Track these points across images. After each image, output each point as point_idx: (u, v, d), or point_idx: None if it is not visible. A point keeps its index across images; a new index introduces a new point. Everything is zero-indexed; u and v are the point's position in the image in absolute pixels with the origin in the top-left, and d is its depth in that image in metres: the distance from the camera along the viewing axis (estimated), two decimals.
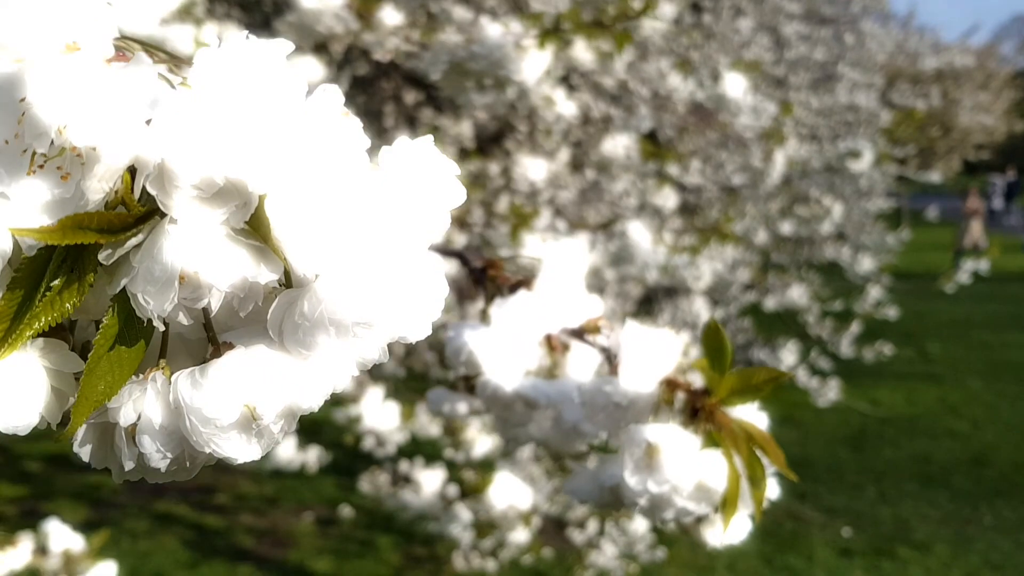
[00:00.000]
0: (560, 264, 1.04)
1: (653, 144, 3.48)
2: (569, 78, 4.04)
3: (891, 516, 5.00)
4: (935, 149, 17.27)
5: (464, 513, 2.05)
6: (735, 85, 3.00)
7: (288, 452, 2.54)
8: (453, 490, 2.49)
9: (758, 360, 4.72)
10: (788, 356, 3.60)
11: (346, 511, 4.39)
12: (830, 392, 3.33)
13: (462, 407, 1.06)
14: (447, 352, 0.98)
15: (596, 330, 1.01)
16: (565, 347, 1.02)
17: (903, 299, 8.81)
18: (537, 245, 2.45)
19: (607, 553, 3.38)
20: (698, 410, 0.88)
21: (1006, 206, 21.35)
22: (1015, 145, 25.12)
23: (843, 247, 6.17)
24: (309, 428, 3.86)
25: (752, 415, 0.89)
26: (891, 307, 8.06)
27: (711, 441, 0.88)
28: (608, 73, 3.64)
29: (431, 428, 2.43)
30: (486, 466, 4.09)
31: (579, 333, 1.00)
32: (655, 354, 0.92)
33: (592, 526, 3.41)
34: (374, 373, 3.86)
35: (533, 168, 2.84)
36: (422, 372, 3.69)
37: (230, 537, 4.28)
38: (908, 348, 9.26)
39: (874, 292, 5.76)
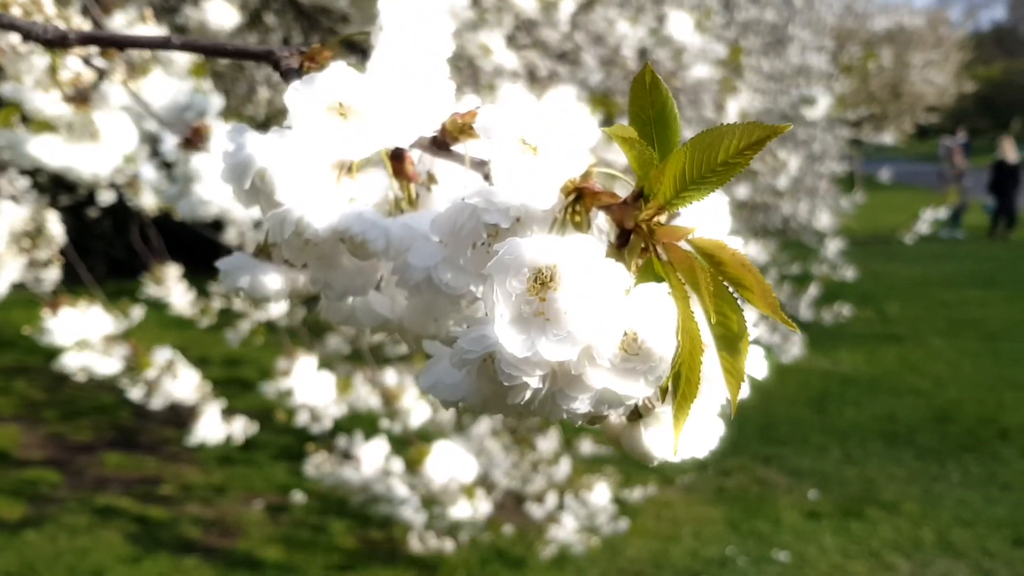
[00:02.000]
0: (409, 27, 0.62)
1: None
2: (515, 39, 3.86)
3: (858, 476, 4.90)
4: (886, 113, 17.28)
5: (400, 488, 1.87)
6: (681, 25, 2.83)
7: (213, 428, 2.34)
8: (399, 465, 2.31)
9: None
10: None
11: (298, 497, 4.20)
12: (793, 348, 3.18)
13: (272, 281, 0.67)
14: (224, 175, 0.61)
15: (467, 132, 0.63)
16: (431, 179, 0.66)
17: (860, 261, 8.75)
18: None
19: (568, 527, 3.22)
20: (629, 232, 0.53)
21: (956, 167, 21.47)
22: (964, 108, 25.30)
23: (799, 203, 6.04)
24: (260, 412, 3.66)
25: (719, 232, 0.53)
26: (848, 269, 8.01)
27: (651, 275, 0.53)
28: (552, 25, 3.45)
29: (372, 400, 2.26)
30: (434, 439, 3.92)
31: (441, 142, 0.63)
32: (556, 142, 0.58)
33: (551, 499, 3.25)
34: (321, 352, 3.67)
35: None
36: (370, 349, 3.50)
37: (175, 529, 4.07)
38: (867, 309, 9.21)
39: (832, 246, 5.63)
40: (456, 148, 0.64)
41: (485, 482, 3.69)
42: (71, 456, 4.97)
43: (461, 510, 1.85)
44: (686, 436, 0.58)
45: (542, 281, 0.49)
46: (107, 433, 5.29)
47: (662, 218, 0.53)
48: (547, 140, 0.58)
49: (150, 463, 4.80)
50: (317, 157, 0.60)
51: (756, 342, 0.56)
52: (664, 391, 0.58)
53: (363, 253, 0.61)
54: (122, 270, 7.68)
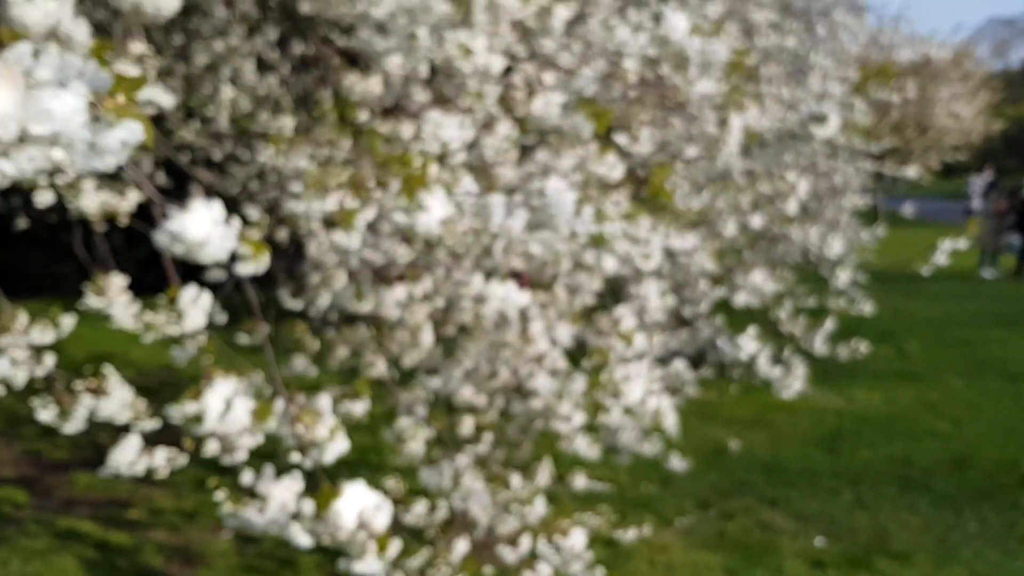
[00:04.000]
0: None
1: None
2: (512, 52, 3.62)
3: (868, 523, 4.57)
4: (911, 148, 16.94)
5: (301, 537, 1.61)
6: (677, 26, 2.57)
7: (130, 457, 2.10)
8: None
9: (720, 351, 4.32)
10: (749, 343, 3.18)
11: None
12: (795, 383, 2.91)
13: None
14: None
15: None
16: None
17: (880, 296, 8.42)
18: (439, 203, 2.01)
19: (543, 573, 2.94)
20: None
21: (985, 206, 21.05)
22: (991, 147, 24.88)
23: (811, 228, 5.75)
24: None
25: None
26: (867, 303, 7.69)
27: None
28: (547, 33, 3.21)
29: (283, 429, 1.98)
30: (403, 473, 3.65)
31: None
32: None
33: (526, 543, 2.97)
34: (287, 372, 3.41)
35: (445, 126, 2.41)
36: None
37: (136, 556, 3.81)
38: (886, 346, 8.88)
39: (843, 276, 5.33)
40: None
41: (464, 520, 3.42)
42: (42, 474, 4.73)
43: (368, 564, 1.58)
44: None
45: None
46: (84, 452, 5.05)
47: None
48: None
49: (122, 485, 4.54)
50: None
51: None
52: None
53: None
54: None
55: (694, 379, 5.61)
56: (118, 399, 2.11)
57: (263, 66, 3.64)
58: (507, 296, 2.45)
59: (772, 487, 5.05)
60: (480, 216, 2.18)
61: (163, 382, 7.23)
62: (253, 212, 2.33)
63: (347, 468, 2.78)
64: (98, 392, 2.11)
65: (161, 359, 6.85)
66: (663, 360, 5.67)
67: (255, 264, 1.63)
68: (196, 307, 1.80)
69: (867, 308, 6.96)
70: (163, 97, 2.52)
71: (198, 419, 1.73)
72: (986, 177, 19.99)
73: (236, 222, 1.66)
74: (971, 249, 12.48)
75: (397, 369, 3.18)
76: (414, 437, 2.82)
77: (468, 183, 2.23)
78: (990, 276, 13.96)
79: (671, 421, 2.55)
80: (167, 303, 1.76)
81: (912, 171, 11.66)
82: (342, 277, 3.05)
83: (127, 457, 2.11)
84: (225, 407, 1.75)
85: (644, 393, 2.53)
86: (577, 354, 4.00)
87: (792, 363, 2.98)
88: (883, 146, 11.88)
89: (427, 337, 2.89)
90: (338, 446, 1.69)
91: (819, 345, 6.73)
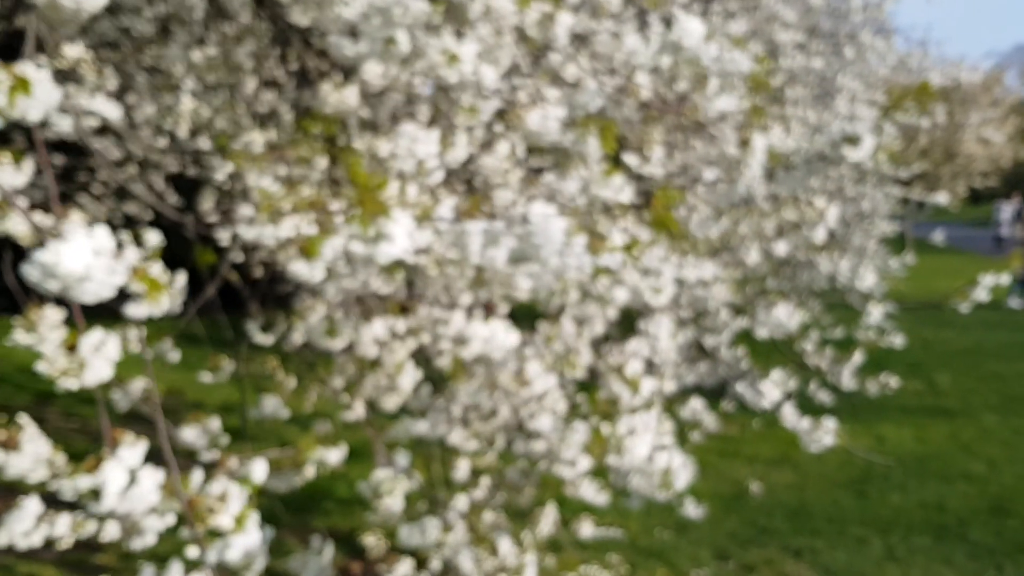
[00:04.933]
0: None
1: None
2: (518, 68, 3.33)
3: None
4: (939, 174, 16.51)
5: None
6: (691, 30, 2.24)
7: (25, 523, 1.77)
8: None
9: (737, 395, 3.98)
10: (772, 390, 2.83)
11: None
12: (825, 437, 2.57)
13: None
14: None
15: None
16: None
17: (909, 327, 8.02)
18: (403, 227, 1.69)
19: None
20: None
21: (1012, 233, 20.53)
22: (1020, 172, 24.36)
23: (841, 259, 5.39)
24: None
25: None
26: (896, 335, 7.29)
27: None
28: (551, 43, 2.89)
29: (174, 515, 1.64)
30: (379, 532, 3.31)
31: None
32: None
33: None
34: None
35: (421, 141, 2.09)
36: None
37: None
38: (915, 379, 8.48)
39: (875, 312, 4.96)
40: None
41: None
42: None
43: None
44: None
45: None
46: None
47: None
48: None
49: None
50: None
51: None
52: None
53: None
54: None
55: (714, 417, 5.26)
56: (30, 455, 1.79)
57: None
58: (492, 337, 2.12)
59: (796, 535, 4.67)
60: (458, 245, 1.85)
61: (162, 407, 6.95)
62: (152, 236, 2.01)
63: (335, 512, 2.44)
64: (7, 446, 1.79)
65: (165, 381, 6.58)
66: (681, 394, 5.31)
67: (150, 305, 1.31)
68: (100, 355, 1.48)
69: (897, 340, 6.56)
70: (108, 108, 2.22)
71: (95, 495, 1.41)
72: (1015, 204, 19.51)
73: (132, 253, 1.34)
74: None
75: (375, 411, 2.85)
76: (392, 492, 2.48)
77: (446, 207, 1.92)
78: (1018, 306, 13.47)
79: (683, 480, 2.21)
80: (26, 323, 1.45)
81: (942, 197, 11.27)
82: (319, 310, 2.73)
83: (22, 526, 1.79)
84: (129, 480, 1.43)
85: (652, 449, 2.20)
86: (589, 385, 3.67)
87: (821, 412, 2.64)
88: (911, 171, 11.49)
89: (407, 380, 2.57)
90: (247, 539, 1.36)
91: (847, 379, 6.34)
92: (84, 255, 1.21)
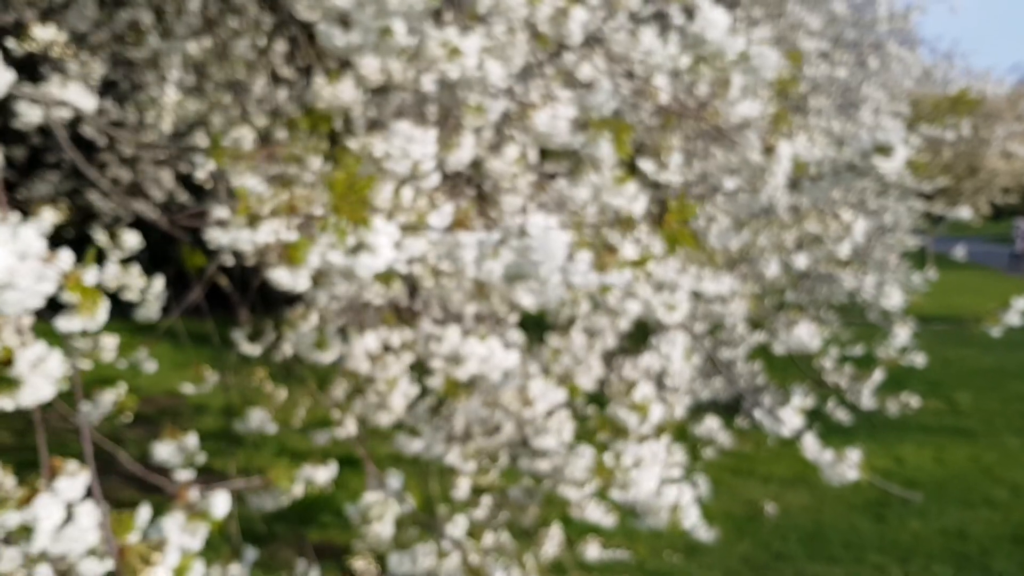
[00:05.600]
0: None
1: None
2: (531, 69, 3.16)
3: None
4: (961, 189, 16.22)
5: None
6: (716, 21, 2.05)
7: None
8: None
9: (751, 411, 3.78)
10: (792, 417, 2.63)
11: None
12: (849, 472, 2.37)
13: None
14: None
15: None
16: None
17: (929, 345, 7.78)
18: (386, 238, 1.50)
19: None
20: None
21: None
22: None
23: (866, 277, 5.18)
24: None
25: None
26: (917, 353, 7.06)
27: None
28: (565, 39, 2.69)
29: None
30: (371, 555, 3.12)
31: None
32: None
33: None
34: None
35: (416, 141, 1.90)
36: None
37: None
38: (935, 399, 8.23)
39: (902, 334, 4.75)
40: None
41: None
42: None
43: None
44: None
45: None
46: None
47: None
48: None
49: None
50: None
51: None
52: None
53: None
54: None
55: (728, 434, 5.05)
56: None
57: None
58: (489, 355, 1.93)
59: (812, 561, 4.45)
60: (451, 257, 1.67)
61: (164, 409, 6.80)
62: (131, 237, 1.82)
63: (332, 525, 2.26)
64: None
65: (166, 384, 6.42)
66: (695, 410, 5.11)
67: (84, 318, 1.12)
68: (40, 374, 1.29)
69: (919, 359, 6.34)
70: (82, 98, 2.05)
71: (27, 533, 1.23)
72: None
73: (65, 257, 1.15)
74: None
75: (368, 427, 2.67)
76: (381, 517, 2.30)
77: (438, 215, 1.73)
78: None
79: (692, 518, 2.01)
80: None
81: (965, 212, 11.01)
82: (311, 319, 2.55)
83: None
84: (65, 517, 1.25)
85: (659, 482, 2.00)
86: (600, 397, 3.46)
87: (846, 451, 2.45)
88: (935, 185, 11.24)
89: (399, 399, 2.38)
90: None
91: (867, 398, 6.12)
92: (6, 259, 1.03)
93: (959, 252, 10.98)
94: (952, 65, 9.75)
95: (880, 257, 7.92)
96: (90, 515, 1.24)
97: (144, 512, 1.30)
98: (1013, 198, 19.52)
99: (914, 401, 6.70)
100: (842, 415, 5.97)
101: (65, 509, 1.26)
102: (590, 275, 1.57)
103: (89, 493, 1.31)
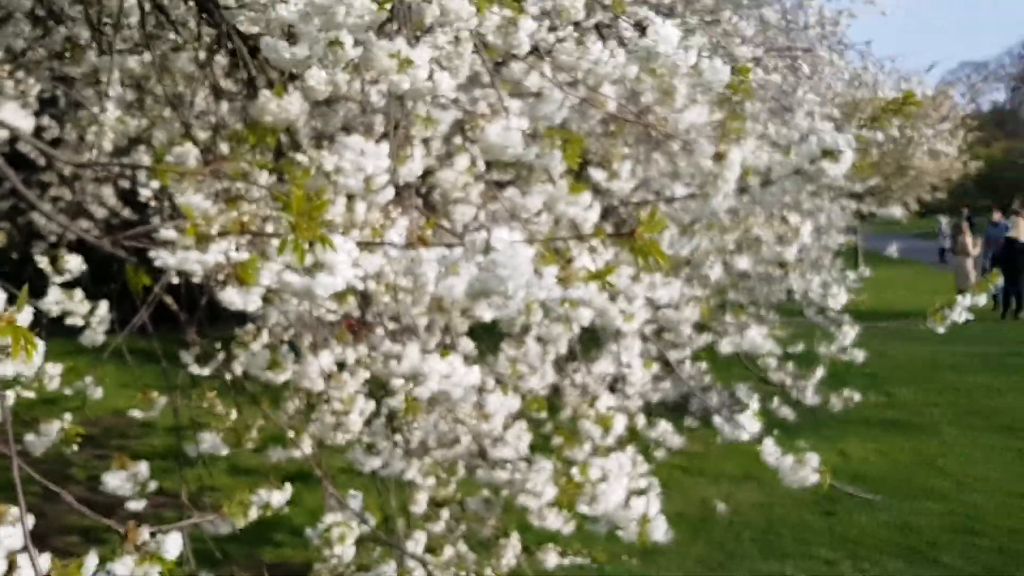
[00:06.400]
0: None
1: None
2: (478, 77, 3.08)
3: None
4: (891, 188, 16.51)
5: None
6: (668, 37, 2.00)
7: None
8: None
9: (707, 420, 3.78)
10: (752, 423, 2.60)
11: None
12: (810, 476, 2.34)
13: None
14: None
15: None
16: None
17: (866, 340, 7.87)
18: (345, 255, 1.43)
19: None
20: None
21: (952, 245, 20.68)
22: (966, 187, 24.57)
23: (813, 279, 5.20)
24: None
25: None
26: (858, 349, 7.13)
27: None
28: (513, 49, 2.62)
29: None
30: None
31: None
32: None
33: None
34: None
35: (370, 155, 1.82)
36: None
37: None
38: (874, 392, 8.32)
39: (850, 333, 4.78)
40: None
41: None
42: None
43: None
44: None
45: None
46: None
47: None
48: None
49: None
50: None
51: None
52: None
53: None
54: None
55: (679, 435, 5.03)
56: None
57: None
58: (451, 373, 1.86)
59: (765, 559, 4.44)
60: (411, 274, 1.59)
61: (110, 429, 6.59)
62: (73, 260, 1.72)
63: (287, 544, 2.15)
64: None
65: (112, 403, 6.21)
66: (644, 411, 5.08)
67: (17, 364, 1.02)
68: None
69: (859, 355, 6.39)
70: (19, 118, 1.93)
71: None
72: (965, 216, 19.61)
73: None
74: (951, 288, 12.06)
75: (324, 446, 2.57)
76: (343, 539, 2.21)
77: (396, 231, 1.66)
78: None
79: (661, 530, 1.96)
80: None
81: (897, 211, 11.20)
82: (262, 337, 2.45)
83: None
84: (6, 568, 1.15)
85: (626, 493, 1.95)
86: (552, 400, 3.41)
87: (806, 455, 2.42)
88: (866, 185, 11.42)
89: (355, 419, 2.29)
90: None
91: (811, 395, 6.14)
92: None
93: (892, 249, 11.16)
94: (883, 68, 9.88)
95: (816, 256, 7.99)
96: (30, 566, 1.14)
97: (91, 560, 1.20)
98: (942, 195, 19.95)
99: (856, 396, 6.76)
100: (787, 412, 5.99)
101: (6, 559, 1.16)
102: (556, 290, 1.51)
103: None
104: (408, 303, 2.25)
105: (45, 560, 1.15)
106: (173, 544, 1.31)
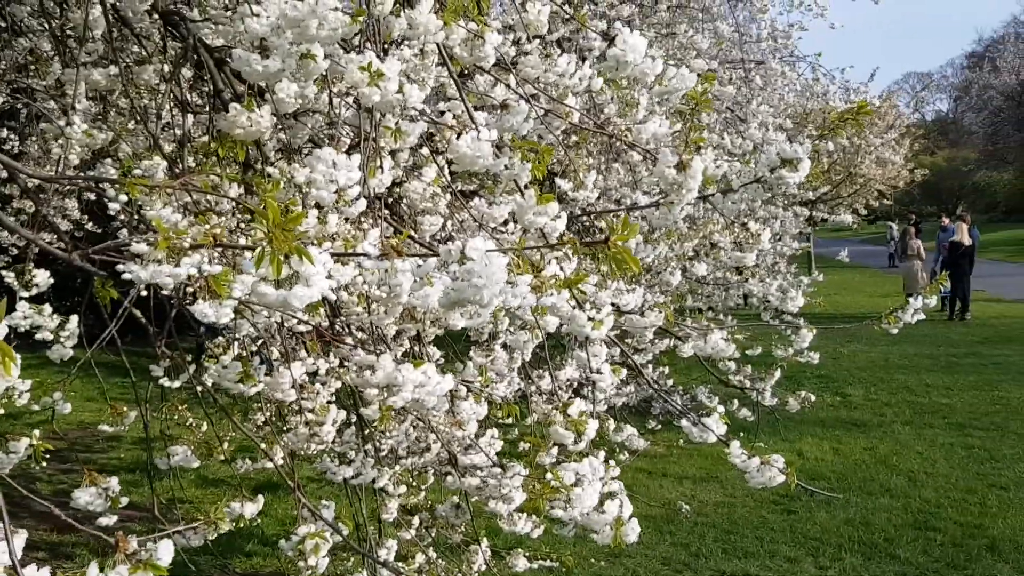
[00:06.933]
0: None
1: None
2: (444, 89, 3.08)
3: None
4: (839, 193, 16.73)
5: None
6: (636, 46, 2.01)
7: None
8: None
9: (669, 423, 3.79)
10: (719, 426, 2.61)
11: None
12: (776, 477, 2.34)
13: None
14: None
15: None
16: None
17: (819, 341, 7.95)
18: (320, 267, 1.41)
19: None
20: None
21: (899, 250, 21.01)
22: (911, 193, 25.00)
23: (773, 283, 5.25)
24: None
25: None
26: (814, 352, 7.20)
27: None
28: (479, 61, 2.61)
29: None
30: None
31: None
32: None
33: None
34: None
35: (341, 167, 1.80)
36: None
37: None
38: (829, 393, 8.44)
39: (808, 336, 4.83)
40: None
41: None
42: None
43: None
44: None
45: None
46: None
47: None
48: None
49: None
50: None
51: None
52: None
53: None
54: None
55: (642, 438, 5.04)
56: None
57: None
58: (426, 381, 1.84)
59: (728, 559, 4.46)
60: (385, 284, 1.57)
61: (76, 443, 6.46)
62: (8, 274, 1.68)
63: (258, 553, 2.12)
64: None
65: (78, 416, 6.10)
66: (607, 414, 5.09)
67: None
68: None
69: (815, 357, 6.45)
70: None
71: None
72: (912, 221, 19.92)
73: None
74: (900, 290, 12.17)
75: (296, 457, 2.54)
76: (317, 550, 2.18)
77: (369, 242, 1.64)
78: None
79: (635, 534, 1.96)
80: None
81: (848, 217, 11.35)
82: (232, 349, 2.41)
83: None
84: None
85: (600, 497, 1.94)
86: (519, 403, 3.39)
87: (772, 456, 2.43)
88: (816, 192, 11.55)
89: (328, 430, 2.26)
90: None
91: (769, 396, 6.19)
92: None
93: (843, 254, 11.31)
94: (833, 79, 10.01)
95: (772, 262, 8.07)
96: None
97: (92, 571, 1.17)
98: (890, 201, 20.24)
99: (813, 397, 6.81)
100: (746, 413, 6.02)
101: None
102: (531, 298, 1.50)
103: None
104: (381, 313, 2.23)
105: (45, 574, 1.12)
106: (166, 551, 1.29)
